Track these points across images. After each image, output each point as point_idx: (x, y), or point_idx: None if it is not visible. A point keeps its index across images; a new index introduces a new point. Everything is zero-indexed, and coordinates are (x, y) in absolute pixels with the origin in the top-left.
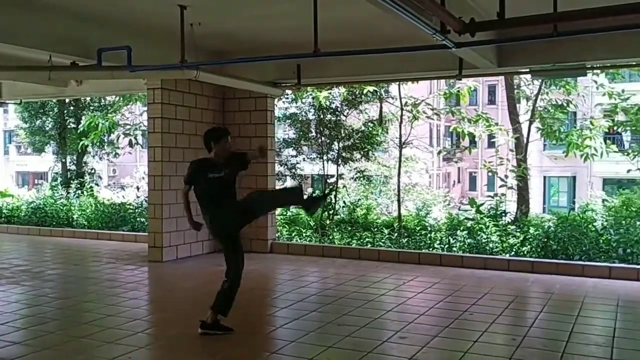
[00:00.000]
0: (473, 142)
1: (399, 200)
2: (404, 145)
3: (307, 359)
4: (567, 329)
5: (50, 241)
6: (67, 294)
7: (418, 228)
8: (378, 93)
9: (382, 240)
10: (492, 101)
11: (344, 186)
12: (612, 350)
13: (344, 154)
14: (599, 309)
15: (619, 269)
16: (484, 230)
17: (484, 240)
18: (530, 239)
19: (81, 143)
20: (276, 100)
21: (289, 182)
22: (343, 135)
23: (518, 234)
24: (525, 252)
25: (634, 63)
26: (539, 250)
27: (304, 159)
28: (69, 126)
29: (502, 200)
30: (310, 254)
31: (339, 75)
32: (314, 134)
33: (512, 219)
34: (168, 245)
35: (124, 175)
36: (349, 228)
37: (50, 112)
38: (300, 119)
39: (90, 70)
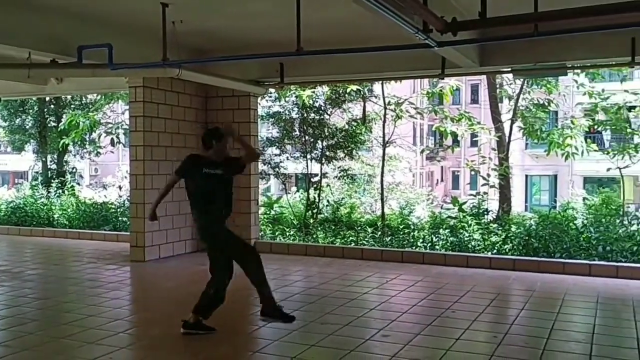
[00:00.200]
0: (456, 141)
1: (382, 199)
2: (387, 144)
3: (290, 358)
4: (548, 326)
5: (30, 241)
6: (47, 294)
7: (401, 227)
8: (361, 92)
9: (366, 239)
10: (474, 100)
11: (328, 185)
12: (591, 346)
13: (327, 153)
14: (579, 306)
15: (599, 266)
16: (467, 228)
17: (466, 239)
18: (512, 237)
19: (62, 142)
20: (259, 98)
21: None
22: (327, 134)
23: (500, 232)
24: (507, 250)
25: (614, 63)
26: (520, 248)
27: (287, 158)
28: (49, 124)
29: (484, 198)
30: (294, 252)
31: (322, 74)
32: (297, 132)
33: (494, 217)
34: (150, 245)
35: (106, 174)
36: (333, 227)
37: (30, 111)
38: (283, 117)
39: (70, 68)
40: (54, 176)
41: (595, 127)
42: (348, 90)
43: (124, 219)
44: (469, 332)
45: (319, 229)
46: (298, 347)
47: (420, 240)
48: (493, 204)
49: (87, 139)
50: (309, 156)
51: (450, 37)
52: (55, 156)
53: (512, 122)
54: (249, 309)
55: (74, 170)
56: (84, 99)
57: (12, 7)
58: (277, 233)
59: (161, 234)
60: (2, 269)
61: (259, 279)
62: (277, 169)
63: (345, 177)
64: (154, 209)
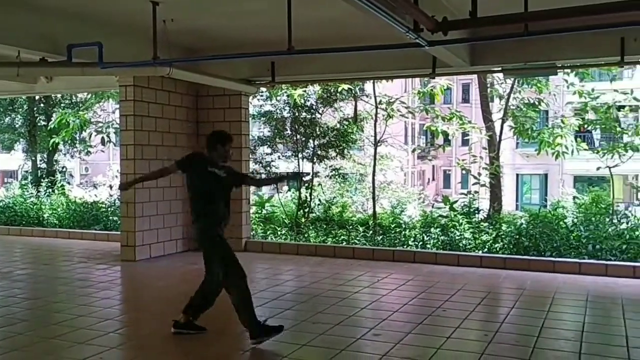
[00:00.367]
0: (447, 140)
1: (373, 198)
2: (379, 143)
3: (282, 357)
4: (538, 324)
5: (19, 241)
6: (36, 294)
7: (393, 225)
8: (353, 91)
9: (357, 238)
10: (465, 100)
11: (320, 184)
12: (581, 344)
13: (319, 152)
14: (569, 304)
15: (589, 264)
16: (458, 227)
17: (457, 237)
18: (503, 236)
19: (52, 141)
20: (251, 97)
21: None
22: (318, 133)
23: (491, 231)
24: (497, 249)
25: (603, 62)
26: (511, 246)
27: (279, 157)
28: (39, 123)
29: (475, 197)
30: (285, 252)
31: (314, 73)
32: (289, 131)
33: (485, 216)
34: (141, 244)
35: (97, 173)
36: (324, 226)
37: (20, 109)
38: (275, 116)
39: (60, 67)
40: (44, 175)
41: (585, 126)
42: (339, 89)
43: (115, 218)
44: (460, 331)
45: (311, 228)
46: (289, 346)
47: (412, 239)
48: (484, 203)
49: (78, 138)
50: (300, 155)
51: (441, 36)
52: (45, 155)
53: (503, 121)
54: None
55: (64, 169)
56: (74, 98)
57: (1, 5)
58: (268, 232)
59: (152, 233)
60: None
61: (238, 303)
62: (268, 168)
63: (336, 176)
64: (133, 182)
